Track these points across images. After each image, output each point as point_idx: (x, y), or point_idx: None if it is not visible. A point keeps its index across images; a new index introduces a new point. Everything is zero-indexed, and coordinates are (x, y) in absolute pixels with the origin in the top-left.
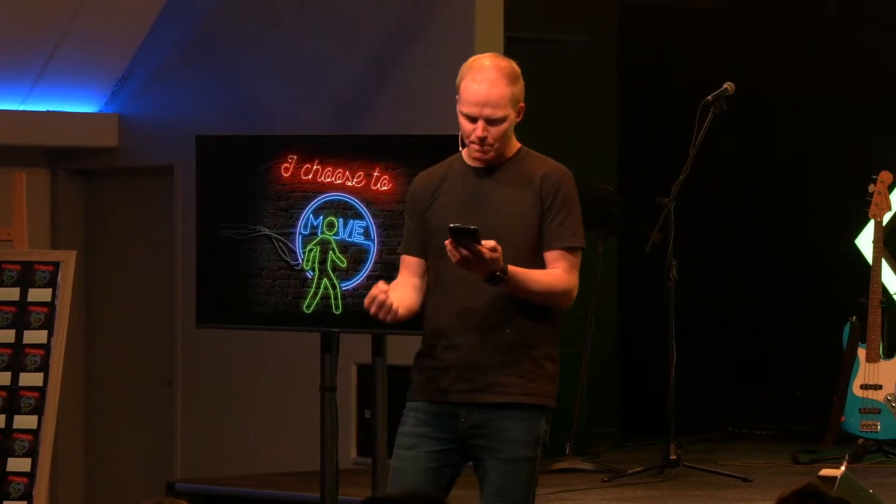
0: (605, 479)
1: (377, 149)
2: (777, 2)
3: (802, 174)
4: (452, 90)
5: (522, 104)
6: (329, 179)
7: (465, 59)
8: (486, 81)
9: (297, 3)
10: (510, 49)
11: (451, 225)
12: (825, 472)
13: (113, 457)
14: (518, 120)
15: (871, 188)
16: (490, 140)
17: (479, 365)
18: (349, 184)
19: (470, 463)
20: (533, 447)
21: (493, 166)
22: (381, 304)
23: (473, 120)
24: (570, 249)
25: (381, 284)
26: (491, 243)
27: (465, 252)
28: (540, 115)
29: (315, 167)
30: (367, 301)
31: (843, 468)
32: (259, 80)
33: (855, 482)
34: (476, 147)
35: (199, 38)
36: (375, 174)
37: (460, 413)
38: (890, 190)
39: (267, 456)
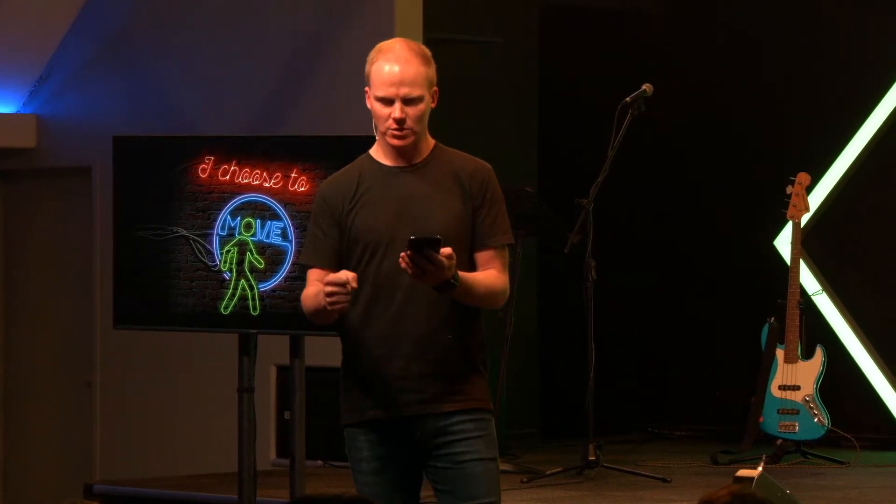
0: (525, 479)
1: (295, 150)
2: (695, 4)
3: (721, 175)
4: None
5: (436, 88)
6: (246, 180)
7: None
8: (399, 60)
9: (215, 5)
10: (430, 50)
11: (412, 237)
12: (742, 472)
13: (31, 458)
14: (433, 106)
15: (788, 189)
16: (409, 123)
17: (425, 375)
18: (266, 185)
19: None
20: (493, 448)
21: (413, 165)
22: (345, 293)
23: (389, 102)
24: (502, 248)
25: (350, 275)
26: (448, 251)
27: (423, 264)
28: (459, 116)
29: (232, 168)
30: (333, 286)
31: (760, 468)
32: (177, 81)
33: (772, 482)
34: (394, 131)
35: (117, 38)
36: (293, 175)
37: (413, 426)
38: (808, 191)
39: (187, 457)
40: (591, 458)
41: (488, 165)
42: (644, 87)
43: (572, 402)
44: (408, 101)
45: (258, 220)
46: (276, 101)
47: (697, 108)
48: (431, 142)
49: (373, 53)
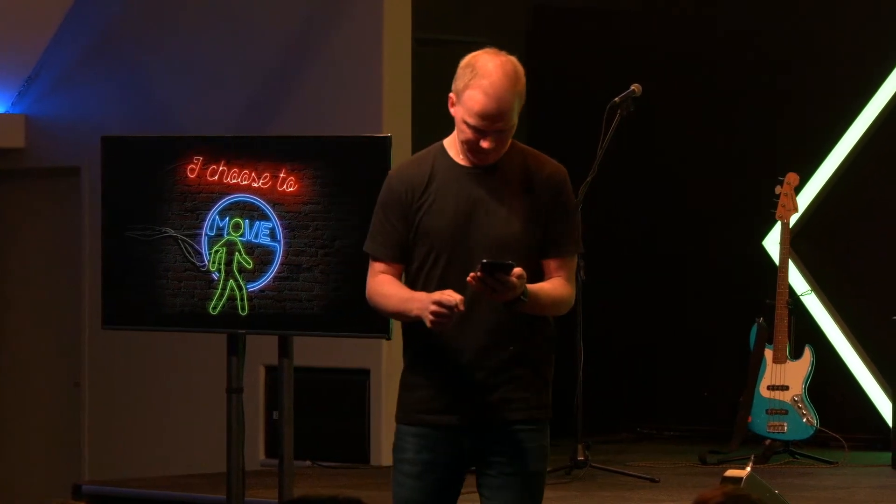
0: None
1: (283, 150)
2: (684, 3)
3: (710, 176)
4: (360, 91)
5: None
6: (235, 181)
7: (374, 60)
8: (495, 95)
9: (203, 6)
10: (418, 50)
11: (485, 261)
12: (731, 472)
13: (20, 458)
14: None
15: (777, 190)
16: (498, 149)
17: (483, 386)
18: (255, 185)
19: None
20: (542, 460)
21: (487, 166)
22: (451, 316)
23: (480, 132)
24: (571, 257)
25: (458, 298)
26: (518, 270)
27: (493, 284)
28: (447, 117)
29: (221, 168)
30: (442, 307)
31: (748, 469)
32: (166, 81)
33: (760, 483)
34: (480, 154)
35: (106, 38)
36: (282, 175)
37: (464, 435)
38: (796, 192)
39: (176, 457)
40: (580, 458)
41: (564, 169)
42: (633, 87)
43: (561, 402)
44: (501, 133)
45: (246, 221)
46: (265, 102)
47: (686, 108)
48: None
49: (466, 72)
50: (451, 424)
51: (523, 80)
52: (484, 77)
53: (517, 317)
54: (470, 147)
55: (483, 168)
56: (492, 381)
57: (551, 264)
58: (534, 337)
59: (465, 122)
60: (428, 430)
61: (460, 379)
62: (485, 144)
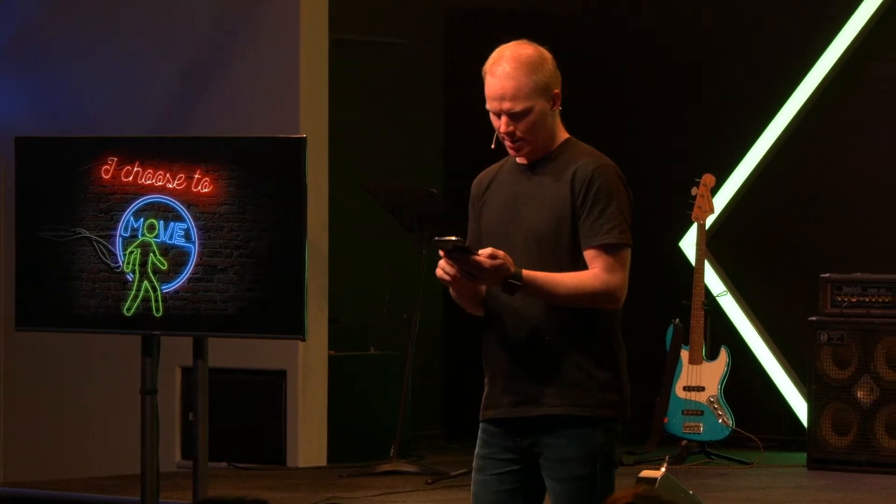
0: (429, 481)
1: (198, 151)
2: (602, 5)
3: (627, 176)
4: (278, 92)
5: (557, 91)
6: (150, 181)
7: (291, 60)
8: (501, 74)
9: (119, 6)
10: (336, 51)
11: (435, 238)
12: (646, 473)
13: None
14: (556, 108)
15: (693, 191)
16: (519, 135)
17: (520, 376)
18: (170, 186)
19: None
20: (589, 463)
21: (535, 163)
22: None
23: (497, 116)
24: (607, 247)
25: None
26: (488, 250)
27: (459, 266)
28: (365, 118)
29: (136, 169)
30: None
31: (663, 469)
32: (81, 82)
33: (675, 483)
34: (508, 143)
35: (20, 38)
36: (196, 176)
37: (513, 429)
38: (713, 193)
39: (92, 459)
40: None
41: (605, 161)
42: None
43: (477, 403)
44: (513, 116)
45: (161, 222)
46: (181, 102)
47: (604, 109)
48: (561, 137)
49: (487, 61)
50: (496, 418)
51: (545, 68)
52: (494, 62)
53: (555, 309)
54: (502, 138)
55: (534, 164)
56: (530, 375)
57: (587, 255)
58: (574, 330)
59: (488, 108)
60: (486, 425)
61: (502, 372)
62: (502, 128)
